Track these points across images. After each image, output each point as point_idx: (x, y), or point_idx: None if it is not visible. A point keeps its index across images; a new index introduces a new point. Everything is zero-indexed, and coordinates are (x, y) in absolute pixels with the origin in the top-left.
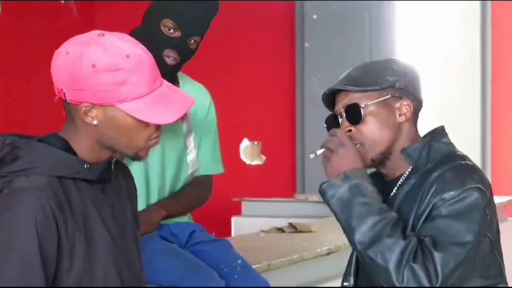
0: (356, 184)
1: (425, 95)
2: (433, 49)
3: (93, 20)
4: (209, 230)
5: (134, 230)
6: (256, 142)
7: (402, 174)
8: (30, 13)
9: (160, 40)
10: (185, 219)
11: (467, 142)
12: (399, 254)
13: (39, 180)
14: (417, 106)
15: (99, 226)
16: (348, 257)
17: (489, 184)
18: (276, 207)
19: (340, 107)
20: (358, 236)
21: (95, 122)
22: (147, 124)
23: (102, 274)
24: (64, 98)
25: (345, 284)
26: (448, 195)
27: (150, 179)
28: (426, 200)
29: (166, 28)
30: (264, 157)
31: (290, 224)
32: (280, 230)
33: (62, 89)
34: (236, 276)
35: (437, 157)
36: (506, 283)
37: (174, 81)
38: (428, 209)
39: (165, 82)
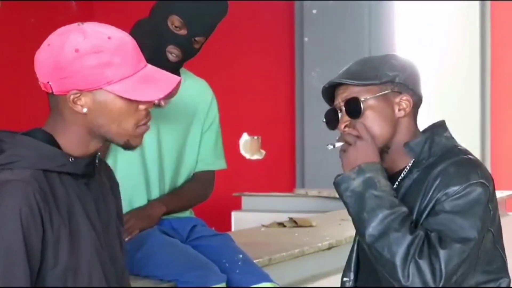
0: (370, 177)
1: (425, 90)
2: (432, 44)
3: (92, 18)
4: (209, 225)
5: (118, 226)
6: (255, 137)
7: (402, 168)
8: (29, 10)
9: (165, 35)
10: (186, 213)
11: (466, 137)
12: (406, 248)
13: (24, 173)
14: (417, 101)
15: (83, 221)
16: (349, 252)
17: (492, 179)
18: (276, 202)
19: (339, 101)
20: (367, 229)
21: (84, 110)
22: (136, 109)
23: (87, 269)
24: (50, 92)
25: (344, 279)
26: (451, 190)
27: (150, 175)
28: (429, 194)
29: (173, 25)
30: (263, 152)
31: (291, 219)
32: (281, 224)
33: (48, 82)
34: (237, 271)
35: (439, 151)
36: (509, 277)
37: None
38: (432, 203)
39: (149, 65)
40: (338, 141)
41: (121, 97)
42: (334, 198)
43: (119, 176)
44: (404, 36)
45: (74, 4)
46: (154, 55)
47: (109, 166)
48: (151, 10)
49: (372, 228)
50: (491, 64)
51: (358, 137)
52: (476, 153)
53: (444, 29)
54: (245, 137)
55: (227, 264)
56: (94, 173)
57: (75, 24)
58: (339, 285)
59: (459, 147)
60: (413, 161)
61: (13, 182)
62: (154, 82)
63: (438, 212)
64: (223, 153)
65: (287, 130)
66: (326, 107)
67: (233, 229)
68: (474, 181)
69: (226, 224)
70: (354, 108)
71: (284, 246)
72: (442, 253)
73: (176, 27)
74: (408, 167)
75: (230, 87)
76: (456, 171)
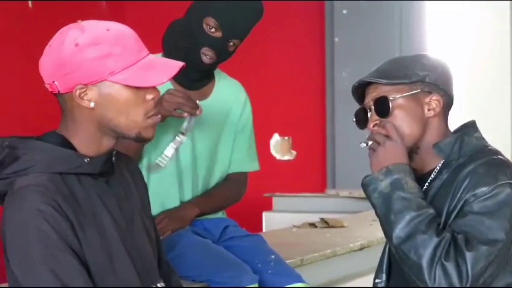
0: (398, 178)
1: (456, 91)
2: (463, 44)
3: (123, 20)
4: (240, 225)
5: (143, 218)
6: (286, 138)
7: (432, 169)
8: (60, 10)
9: (200, 37)
10: (219, 214)
11: (497, 137)
12: (432, 250)
13: (40, 177)
14: (447, 101)
15: (107, 220)
16: (381, 253)
17: None
18: (307, 202)
19: (369, 100)
20: (394, 231)
21: (92, 104)
22: (143, 98)
23: (120, 268)
24: (57, 92)
25: (376, 280)
26: (480, 191)
27: (183, 176)
28: (458, 195)
29: (208, 27)
30: (294, 152)
31: (322, 219)
32: (312, 225)
33: (53, 82)
34: (269, 271)
35: (469, 151)
36: None
37: (210, 76)
38: (460, 204)
39: (151, 54)
40: (368, 140)
41: (127, 87)
42: (365, 198)
43: (152, 177)
44: (435, 36)
45: (105, 4)
46: (188, 56)
47: (130, 158)
48: (187, 11)
49: (399, 230)
50: None
51: (387, 136)
52: (507, 153)
53: (475, 28)
54: (276, 138)
55: (259, 265)
56: (113, 170)
57: (74, 23)
58: (371, 286)
59: (489, 148)
60: (443, 162)
61: (31, 187)
62: (157, 68)
63: (466, 213)
64: (256, 154)
65: (317, 130)
66: (357, 107)
67: (264, 229)
68: (503, 182)
69: (257, 225)
70: (382, 107)
71: (316, 246)
72: (468, 256)
73: (211, 29)
74: (438, 168)
75: (260, 88)
76: (485, 172)
